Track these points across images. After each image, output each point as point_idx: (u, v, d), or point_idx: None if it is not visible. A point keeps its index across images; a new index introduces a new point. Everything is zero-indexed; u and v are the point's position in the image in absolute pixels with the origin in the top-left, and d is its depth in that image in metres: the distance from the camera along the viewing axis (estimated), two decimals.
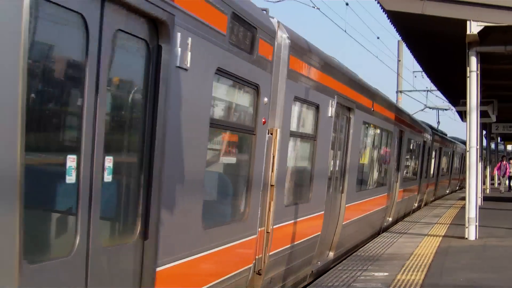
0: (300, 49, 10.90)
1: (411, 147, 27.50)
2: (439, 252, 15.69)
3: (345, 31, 49.54)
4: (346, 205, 15.29)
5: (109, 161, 5.65)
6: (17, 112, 4.31)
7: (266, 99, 9.48)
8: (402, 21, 19.20)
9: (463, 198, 20.27)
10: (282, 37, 10.05)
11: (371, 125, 18.33)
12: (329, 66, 13.01)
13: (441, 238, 18.36)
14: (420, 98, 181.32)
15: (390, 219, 23.14)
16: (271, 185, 9.96)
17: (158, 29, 6.24)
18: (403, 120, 24.07)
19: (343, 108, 14.43)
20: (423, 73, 36.07)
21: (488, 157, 47.50)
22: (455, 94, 30.03)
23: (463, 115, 26.14)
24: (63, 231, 5.30)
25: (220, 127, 8.28)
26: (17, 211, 4.32)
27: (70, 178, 5.17)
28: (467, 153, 18.19)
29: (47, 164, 5.16)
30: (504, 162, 45.59)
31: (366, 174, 18.47)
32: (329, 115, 12.97)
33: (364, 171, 17.95)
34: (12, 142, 4.29)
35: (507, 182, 46.00)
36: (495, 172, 47.45)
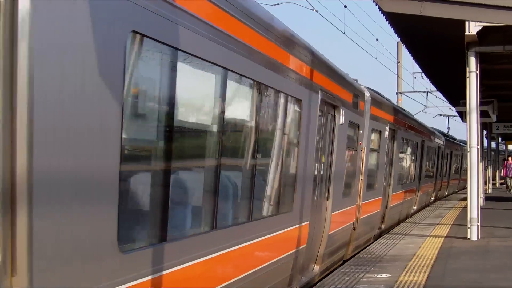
0: (375, 101, 19.00)
1: (430, 153, 34.80)
2: (442, 253, 15.70)
3: (343, 33, 49.49)
4: (392, 194, 23.06)
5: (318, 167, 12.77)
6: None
7: (361, 132, 17.20)
8: (400, 23, 19.21)
9: (465, 199, 20.25)
10: (367, 96, 17.88)
11: (406, 139, 26.12)
12: (386, 106, 21.34)
13: (443, 238, 18.37)
14: (420, 99, 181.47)
15: (415, 207, 30.27)
16: (361, 179, 17.74)
17: (335, 109, 13.93)
18: (425, 132, 31.54)
19: (392, 130, 22.42)
20: (423, 74, 36.11)
21: (490, 157, 47.40)
22: (455, 95, 30.07)
23: (463, 115, 26.16)
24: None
25: (349, 148, 15.72)
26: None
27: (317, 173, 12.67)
28: (468, 153, 18.20)
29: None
30: (510, 161, 44.86)
31: (402, 174, 25.94)
32: (386, 136, 21.09)
33: (401, 171, 25.56)
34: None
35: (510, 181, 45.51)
36: (504, 172, 46.66)
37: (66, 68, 4.86)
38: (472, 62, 17.93)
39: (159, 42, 6.23)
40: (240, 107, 8.95)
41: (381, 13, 17.57)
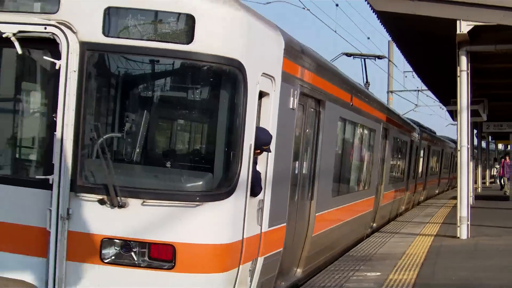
0: (422, 132, 32.93)
1: (446, 156, 48.26)
2: (431, 251, 15.72)
3: (335, 31, 49.39)
4: (428, 180, 37.73)
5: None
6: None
7: (419, 149, 31.98)
8: (392, 22, 19.24)
9: (455, 197, 20.29)
10: (420, 132, 32.06)
11: (434, 149, 39.79)
12: (426, 134, 34.81)
13: (433, 237, 18.39)
14: (411, 98, 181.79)
15: (437, 191, 44.93)
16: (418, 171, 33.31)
17: (412, 141, 29.44)
18: (443, 143, 45.17)
19: (428, 146, 36.21)
20: (414, 73, 36.17)
21: (480, 156, 47.32)
22: (446, 94, 30.13)
23: (454, 114, 26.22)
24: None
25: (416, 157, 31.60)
26: None
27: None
28: (458, 152, 18.22)
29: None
30: (508, 160, 42.86)
31: (432, 171, 40.54)
32: (425, 148, 34.69)
33: (432, 170, 40.16)
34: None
35: (503, 180, 44.49)
36: (501, 172, 44.93)
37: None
38: (463, 61, 17.93)
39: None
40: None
41: (373, 12, 17.59)
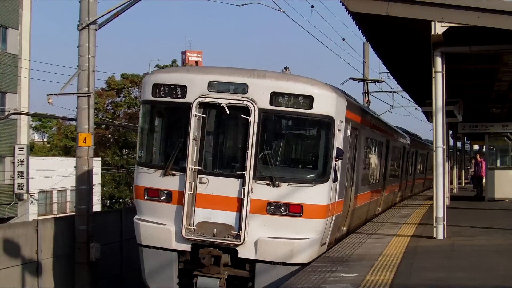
0: (411, 140, 39.37)
1: (431, 159, 51.25)
2: (408, 252, 15.76)
3: (310, 33, 49.47)
4: (415, 178, 42.58)
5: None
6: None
7: (408, 152, 37.53)
8: (366, 23, 19.26)
9: (431, 198, 20.36)
10: (409, 139, 37.09)
11: (419, 152, 43.61)
12: (414, 141, 40.76)
13: (409, 238, 18.43)
14: (386, 99, 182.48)
15: (422, 188, 49.55)
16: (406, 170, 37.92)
17: (405, 147, 35.51)
18: (427, 147, 47.94)
19: (415, 150, 40.77)
20: (389, 74, 36.26)
21: (455, 157, 47.52)
22: (421, 95, 30.24)
23: (429, 115, 26.31)
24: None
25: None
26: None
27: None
28: (434, 153, 18.28)
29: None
30: (479, 159, 40.39)
31: (419, 171, 45.89)
32: (413, 152, 39.63)
33: (419, 171, 45.52)
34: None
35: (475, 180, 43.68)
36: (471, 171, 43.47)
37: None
38: (438, 62, 17.99)
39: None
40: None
41: (348, 13, 17.60)
